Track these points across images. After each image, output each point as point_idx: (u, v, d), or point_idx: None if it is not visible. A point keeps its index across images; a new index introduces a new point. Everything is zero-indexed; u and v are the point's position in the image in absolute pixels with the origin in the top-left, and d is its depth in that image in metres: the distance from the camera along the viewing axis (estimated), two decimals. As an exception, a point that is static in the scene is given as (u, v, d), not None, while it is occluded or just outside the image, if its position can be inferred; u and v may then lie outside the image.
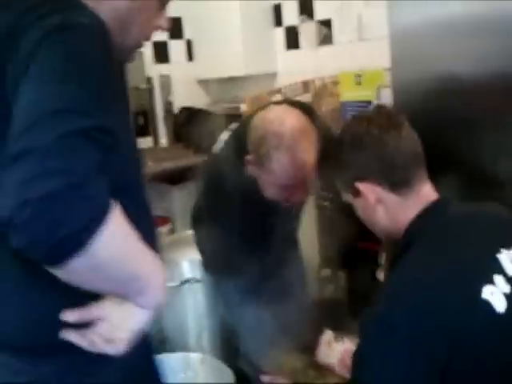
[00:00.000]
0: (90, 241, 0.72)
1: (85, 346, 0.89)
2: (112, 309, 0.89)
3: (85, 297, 0.87)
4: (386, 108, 1.46)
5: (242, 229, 1.60)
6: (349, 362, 1.61)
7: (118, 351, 0.89)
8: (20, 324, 0.93)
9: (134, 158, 1.01)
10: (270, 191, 1.60)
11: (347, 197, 1.30)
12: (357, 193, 1.24)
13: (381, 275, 1.63)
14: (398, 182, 1.20)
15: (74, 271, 0.75)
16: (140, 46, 1.06)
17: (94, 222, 0.72)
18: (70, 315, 0.88)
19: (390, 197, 1.21)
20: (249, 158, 1.58)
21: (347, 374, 1.61)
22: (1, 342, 0.95)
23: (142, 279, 0.85)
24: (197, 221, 1.98)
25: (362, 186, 1.22)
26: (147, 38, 1.06)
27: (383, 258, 1.82)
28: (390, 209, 1.22)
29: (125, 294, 0.87)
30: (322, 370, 1.64)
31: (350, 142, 1.25)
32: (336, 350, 1.68)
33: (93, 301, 0.90)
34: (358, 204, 1.28)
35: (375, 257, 1.62)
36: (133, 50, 1.06)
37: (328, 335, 1.70)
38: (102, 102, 0.80)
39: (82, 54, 0.81)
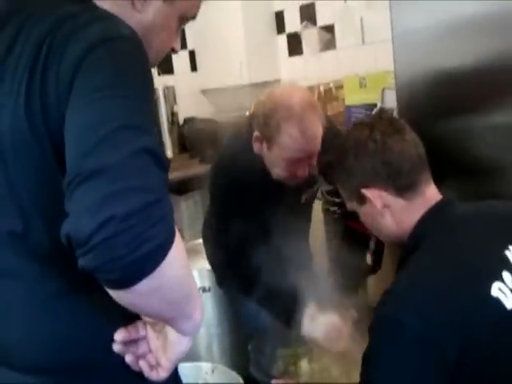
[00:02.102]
0: (164, 259, 0.71)
1: (131, 363, 0.88)
2: (153, 335, 0.89)
3: (124, 316, 0.86)
4: (386, 113, 1.46)
5: (250, 220, 1.59)
6: (334, 335, 1.60)
7: (159, 378, 0.88)
8: (50, 343, 0.89)
9: None
10: (277, 169, 1.60)
11: (352, 205, 1.29)
12: (362, 200, 1.23)
13: (369, 259, 1.61)
14: (404, 186, 1.19)
15: (139, 292, 0.72)
16: (154, 64, 1.04)
17: (169, 240, 0.72)
18: (118, 334, 0.87)
19: (396, 201, 1.20)
20: (257, 134, 1.57)
21: (333, 348, 1.61)
22: (24, 363, 0.90)
23: (193, 300, 0.84)
24: (208, 233, 1.98)
25: (368, 193, 1.20)
26: (161, 57, 1.05)
27: (373, 242, 1.79)
28: (396, 213, 1.21)
29: (176, 317, 0.84)
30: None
31: (354, 149, 1.24)
32: (320, 323, 1.64)
33: (132, 319, 0.89)
34: (363, 211, 1.27)
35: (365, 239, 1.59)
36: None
37: (311, 309, 1.66)
38: (152, 117, 0.80)
39: (132, 67, 0.80)
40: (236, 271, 1.76)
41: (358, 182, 1.22)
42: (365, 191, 1.21)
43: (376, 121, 1.27)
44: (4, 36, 0.87)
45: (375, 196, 1.20)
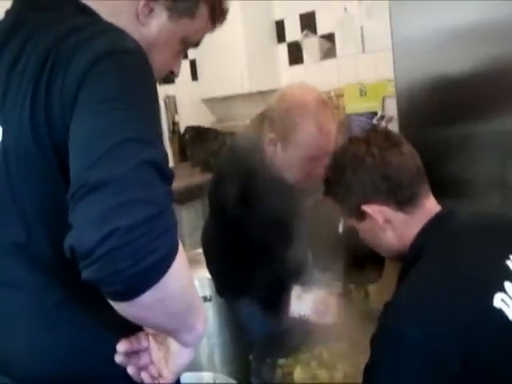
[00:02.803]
0: (168, 271, 0.71)
1: (133, 375, 0.89)
2: (155, 346, 0.89)
3: (126, 327, 0.85)
4: (382, 127, 1.46)
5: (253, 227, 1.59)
6: (322, 309, 1.63)
7: None
8: (53, 353, 0.89)
9: None
10: (292, 171, 1.59)
11: (351, 222, 1.27)
12: (362, 216, 1.21)
13: (340, 228, 1.62)
14: (404, 200, 1.18)
15: (142, 304, 0.72)
16: None
17: (172, 251, 0.72)
18: (120, 345, 0.87)
19: (397, 215, 1.19)
20: (270, 136, 1.57)
21: (322, 320, 1.63)
22: (25, 373, 0.90)
23: (196, 310, 0.84)
24: (207, 241, 1.97)
25: (369, 209, 1.19)
26: (160, 78, 1.05)
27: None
28: (397, 227, 1.20)
29: (178, 329, 0.84)
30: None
31: (352, 165, 1.22)
32: (307, 300, 1.67)
33: (134, 330, 0.89)
34: (363, 227, 1.25)
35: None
36: None
37: (297, 290, 1.68)
38: (158, 129, 0.81)
39: (137, 80, 0.81)
40: (236, 279, 1.76)
41: (357, 198, 1.21)
42: (365, 207, 1.19)
43: (371, 135, 1.25)
44: (12, 46, 0.88)
45: (376, 211, 1.18)
